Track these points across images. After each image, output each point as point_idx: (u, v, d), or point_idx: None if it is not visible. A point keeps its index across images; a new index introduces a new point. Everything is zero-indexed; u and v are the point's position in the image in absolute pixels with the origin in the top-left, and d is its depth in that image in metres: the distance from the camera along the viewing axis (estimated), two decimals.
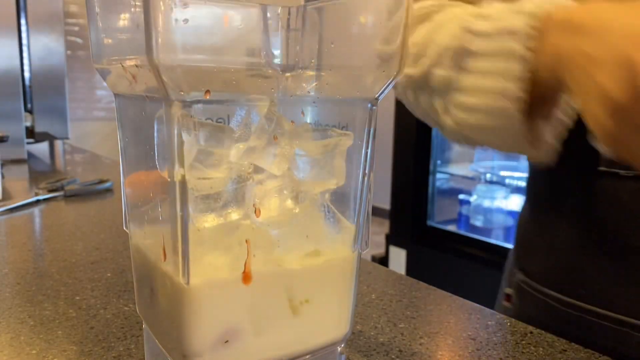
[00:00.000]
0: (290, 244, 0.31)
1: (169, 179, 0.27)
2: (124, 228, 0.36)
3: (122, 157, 0.35)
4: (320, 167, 0.31)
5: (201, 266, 0.28)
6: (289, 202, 0.31)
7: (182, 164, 0.26)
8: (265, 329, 0.31)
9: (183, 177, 0.27)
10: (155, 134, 0.28)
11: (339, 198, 0.33)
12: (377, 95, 0.32)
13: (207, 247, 0.29)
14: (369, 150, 0.32)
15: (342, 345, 0.36)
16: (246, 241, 0.29)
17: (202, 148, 0.27)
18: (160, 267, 0.31)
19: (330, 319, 0.34)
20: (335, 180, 0.32)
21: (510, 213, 2.23)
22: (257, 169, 0.29)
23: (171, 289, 0.29)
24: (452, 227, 2.41)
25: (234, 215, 0.29)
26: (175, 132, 0.26)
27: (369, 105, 0.32)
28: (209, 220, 0.28)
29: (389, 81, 0.31)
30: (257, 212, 0.29)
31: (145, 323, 0.37)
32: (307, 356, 0.34)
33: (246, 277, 0.29)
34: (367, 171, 0.33)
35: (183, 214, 0.27)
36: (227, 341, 0.30)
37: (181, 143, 0.26)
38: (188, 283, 0.28)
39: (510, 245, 2.13)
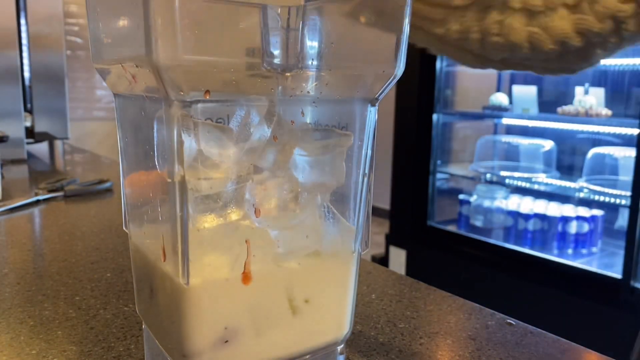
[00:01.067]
0: (290, 244, 0.31)
1: (168, 180, 0.27)
2: (124, 228, 0.36)
3: (121, 157, 0.35)
4: (320, 167, 0.31)
5: (201, 266, 0.28)
6: (289, 203, 0.31)
7: (181, 164, 0.26)
8: (265, 329, 0.31)
9: (183, 177, 0.26)
10: (155, 134, 0.28)
11: (339, 198, 0.33)
12: (377, 95, 0.32)
13: (206, 247, 0.29)
14: (369, 151, 0.32)
15: (342, 346, 0.36)
16: (246, 241, 0.29)
17: (202, 148, 0.27)
18: (160, 267, 0.31)
19: (330, 319, 0.34)
20: (335, 181, 0.32)
21: (510, 213, 2.23)
22: (257, 169, 0.29)
23: (171, 289, 0.29)
24: (452, 227, 2.41)
25: (234, 215, 0.29)
26: (175, 132, 0.26)
27: (369, 105, 0.32)
28: (209, 221, 0.28)
29: (389, 81, 0.31)
30: (257, 212, 0.29)
31: (145, 323, 0.37)
32: (307, 356, 0.34)
33: (246, 277, 0.29)
34: (367, 171, 0.33)
35: (183, 214, 0.27)
36: (226, 341, 0.30)
37: (181, 143, 0.26)
38: (188, 283, 0.28)
39: (509, 245, 2.11)
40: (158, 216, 0.31)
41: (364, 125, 0.32)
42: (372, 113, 0.32)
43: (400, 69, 0.30)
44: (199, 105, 0.27)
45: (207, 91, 0.26)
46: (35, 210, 0.88)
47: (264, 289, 0.30)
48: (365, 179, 0.33)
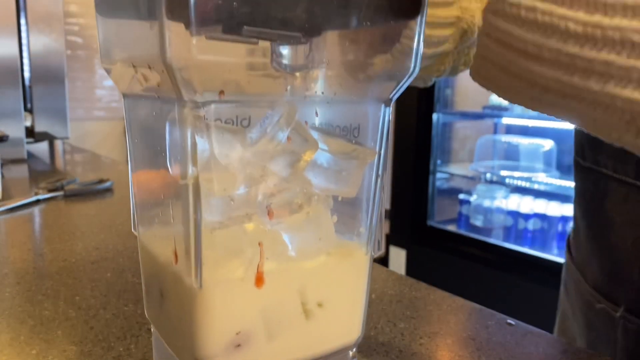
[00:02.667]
0: (303, 247, 0.31)
1: (181, 182, 0.27)
2: (133, 230, 0.36)
3: (130, 158, 0.35)
4: (335, 172, 0.31)
5: (214, 269, 0.28)
6: (302, 205, 0.30)
7: (195, 166, 0.26)
8: (278, 333, 0.31)
9: (196, 179, 0.26)
10: (167, 136, 0.28)
11: (352, 200, 0.33)
12: (391, 96, 0.31)
13: (219, 250, 0.28)
14: (382, 152, 0.32)
15: (354, 350, 0.36)
16: (259, 244, 0.29)
17: (215, 150, 0.27)
18: (171, 270, 0.30)
19: (343, 322, 0.34)
20: (349, 189, 0.32)
21: (510, 213, 2.23)
22: (271, 172, 0.29)
23: (183, 292, 0.29)
24: (452, 227, 2.41)
25: (247, 218, 0.29)
26: (189, 133, 0.26)
27: (383, 105, 0.31)
28: (222, 223, 0.28)
29: (403, 81, 0.30)
30: (270, 214, 0.29)
31: (154, 326, 0.36)
32: None
33: (259, 280, 0.29)
34: (380, 173, 0.32)
35: (196, 217, 0.26)
36: (239, 345, 0.29)
37: (194, 145, 0.26)
38: (200, 286, 0.27)
39: (509, 245, 2.11)
40: (169, 218, 0.31)
41: (377, 125, 0.32)
42: (386, 113, 0.32)
43: (415, 68, 0.30)
44: (213, 106, 0.26)
45: (222, 92, 0.26)
46: (35, 210, 0.88)
47: (277, 292, 0.30)
48: (379, 181, 0.32)
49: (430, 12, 0.43)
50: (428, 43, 0.45)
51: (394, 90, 0.31)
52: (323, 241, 0.31)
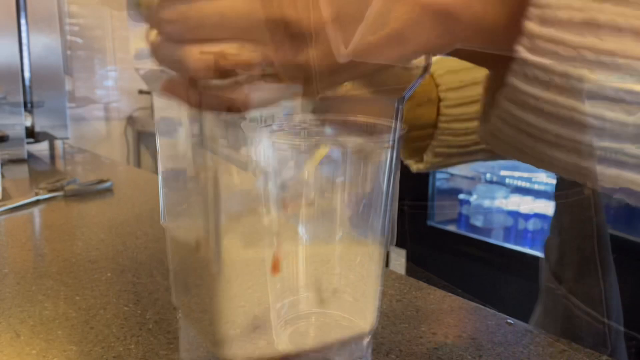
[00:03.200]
0: (318, 238, 0.32)
1: (201, 175, 0.28)
2: (161, 222, 0.37)
3: (159, 154, 0.36)
4: (349, 166, 0.32)
5: (232, 257, 0.30)
6: (318, 197, 0.31)
7: (213, 160, 0.27)
8: (294, 319, 0.32)
9: (215, 173, 0.27)
10: (188, 131, 0.29)
11: (367, 194, 0.33)
12: (404, 93, 0.31)
13: (238, 239, 0.30)
14: (396, 146, 0.33)
15: (369, 339, 0.36)
16: (276, 235, 0.30)
17: (233, 144, 0.28)
18: (194, 257, 0.32)
19: (358, 310, 0.35)
20: (363, 183, 0.32)
21: (510, 213, 2.23)
22: (287, 165, 0.30)
23: (205, 279, 0.31)
24: (452, 227, 2.41)
25: (264, 209, 0.30)
26: (207, 128, 0.26)
27: (396, 103, 0.32)
28: (240, 215, 0.29)
29: (417, 79, 0.30)
30: (286, 207, 0.30)
31: (182, 313, 0.38)
32: (335, 347, 0.34)
33: (275, 269, 0.30)
34: (393, 167, 0.33)
35: (215, 208, 0.28)
36: (257, 327, 0.31)
37: (212, 139, 0.27)
38: (220, 273, 0.29)
39: (509, 245, 2.10)
40: (193, 209, 0.32)
41: (390, 121, 0.32)
42: (399, 109, 0.32)
43: (428, 64, 0.30)
44: None
45: None
46: (35, 210, 0.88)
47: (292, 281, 0.31)
48: (392, 175, 0.33)
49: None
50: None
51: (408, 87, 0.31)
52: (339, 232, 0.32)
